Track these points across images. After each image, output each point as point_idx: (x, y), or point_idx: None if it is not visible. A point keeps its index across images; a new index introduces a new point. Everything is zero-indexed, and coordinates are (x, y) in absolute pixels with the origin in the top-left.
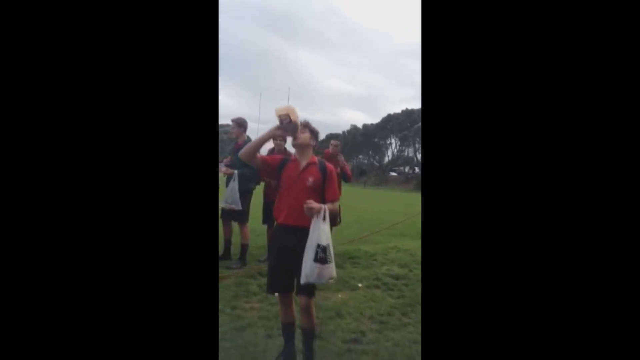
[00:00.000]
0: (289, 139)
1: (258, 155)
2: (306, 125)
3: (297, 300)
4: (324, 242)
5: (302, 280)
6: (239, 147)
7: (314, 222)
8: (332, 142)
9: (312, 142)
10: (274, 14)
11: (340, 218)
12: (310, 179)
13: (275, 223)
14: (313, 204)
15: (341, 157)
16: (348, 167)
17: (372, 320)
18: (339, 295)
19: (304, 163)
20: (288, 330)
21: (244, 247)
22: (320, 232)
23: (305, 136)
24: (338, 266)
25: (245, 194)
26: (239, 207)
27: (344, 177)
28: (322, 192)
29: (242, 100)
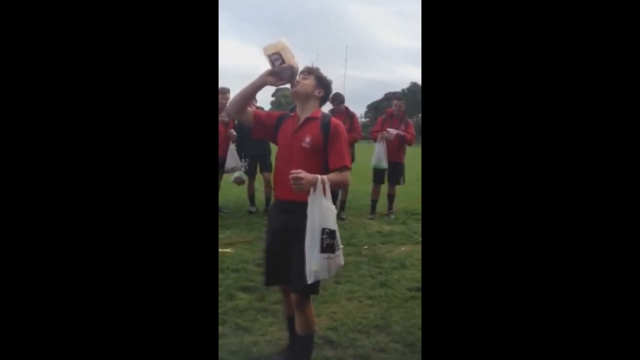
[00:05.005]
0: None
1: (250, 110)
2: (311, 71)
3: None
4: (330, 226)
5: (310, 279)
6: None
7: (311, 199)
8: (395, 101)
9: (318, 93)
10: None
11: (404, 178)
12: (307, 139)
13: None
14: (302, 173)
15: (409, 120)
16: (412, 128)
17: None
18: (402, 248)
19: (302, 119)
20: (293, 323)
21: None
22: (323, 213)
23: (306, 83)
24: (401, 222)
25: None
26: (239, 168)
27: (406, 140)
28: (325, 157)
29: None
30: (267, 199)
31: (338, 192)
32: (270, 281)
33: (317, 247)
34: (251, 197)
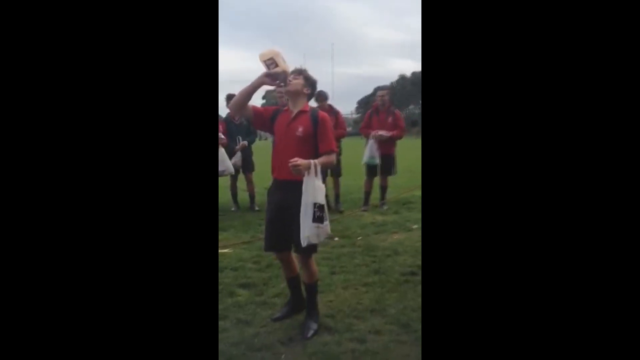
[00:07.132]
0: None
1: (249, 106)
2: (300, 72)
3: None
4: (320, 201)
5: (303, 243)
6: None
7: (305, 179)
8: (379, 92)
9: (306, 90)
10: None
11: (396, 169)
12: (300, 129)
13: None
14: (298, 160)
15: (396, 111)
16: (402, 120)
17: None
18: (395, 236)
19: (294, 112)
20: (292, 283)
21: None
22: (315, 190)
23: (296, 82)
24: (394, 212)
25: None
26: (230, 171)
27: (396, 138)
28: (315, 143)
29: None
30: (251, 197)
31: (327, 171)
32: (269, 248)
33: (310, 217)
34: (234, 196)
